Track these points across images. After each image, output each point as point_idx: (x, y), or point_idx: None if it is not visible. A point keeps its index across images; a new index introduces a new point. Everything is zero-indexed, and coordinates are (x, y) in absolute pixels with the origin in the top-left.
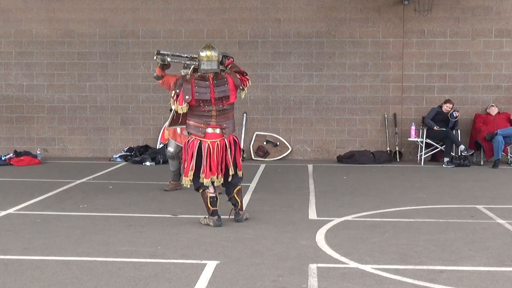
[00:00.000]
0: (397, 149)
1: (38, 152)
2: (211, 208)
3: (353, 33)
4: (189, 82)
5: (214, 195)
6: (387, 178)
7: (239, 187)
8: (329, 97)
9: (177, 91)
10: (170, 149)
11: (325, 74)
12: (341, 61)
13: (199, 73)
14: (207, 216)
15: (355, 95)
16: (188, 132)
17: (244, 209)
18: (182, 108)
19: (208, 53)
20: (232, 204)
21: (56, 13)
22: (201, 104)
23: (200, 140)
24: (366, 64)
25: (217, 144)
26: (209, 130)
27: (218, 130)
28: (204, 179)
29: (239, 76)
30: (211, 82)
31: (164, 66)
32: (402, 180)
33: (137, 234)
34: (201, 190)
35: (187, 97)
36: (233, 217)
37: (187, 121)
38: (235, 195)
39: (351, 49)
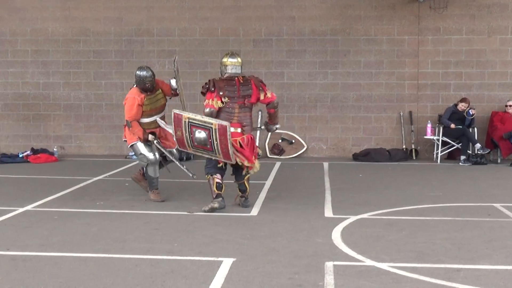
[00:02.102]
0: (413, 147)
1: (55, 149)
2: (216, 191)
3: (368, 31)
4: (220, 82)
5: (221, 181)
6: (403, 176)
7: (249, 175)
8: (344, 94)
9: (212, 89)
10: (151, 155)
11: (340, 72)
12: (356, 58)
13: (225, 76)
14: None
15: (371, 93)
16: None
17: None
18: (218, 103)
19: (233, 60)
20: (241, 191)
21: (72, 11)
22: (228, 101)
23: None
24: (381, 61)
25: (238, 140)
26: (232, 129)
27: (239, 130)
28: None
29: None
30: (238, 83)
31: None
32: (418, 178)
33: (154, 231)
34: (209, 176)
35: (221, 93)
36: (238, 203)
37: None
38: (245, 182)
39: (366, 47)
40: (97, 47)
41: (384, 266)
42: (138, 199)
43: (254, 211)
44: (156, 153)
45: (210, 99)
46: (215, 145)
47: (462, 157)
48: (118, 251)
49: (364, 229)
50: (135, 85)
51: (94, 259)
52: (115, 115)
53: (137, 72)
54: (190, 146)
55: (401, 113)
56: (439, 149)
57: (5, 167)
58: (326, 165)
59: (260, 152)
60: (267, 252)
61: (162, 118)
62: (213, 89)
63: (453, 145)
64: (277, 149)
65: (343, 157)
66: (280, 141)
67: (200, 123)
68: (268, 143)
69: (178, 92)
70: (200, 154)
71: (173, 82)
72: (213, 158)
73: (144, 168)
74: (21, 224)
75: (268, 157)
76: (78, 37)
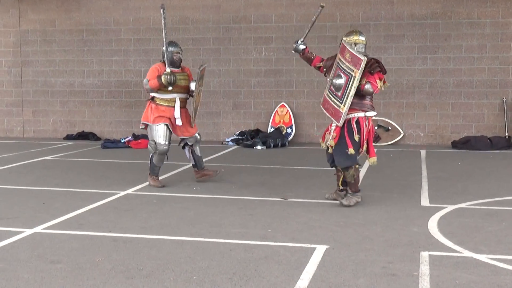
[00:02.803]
0: None
1: None
2: (359, 183)
3: (470, 14)
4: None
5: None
6: (505, 165)
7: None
8: (444, 80)
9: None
10: (164, 142)
11: (440, 57)
12: (457, 43)
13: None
14: (351, 194)
15: (472, 78)
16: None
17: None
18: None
19: (363, 38)
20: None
21: (172, 0)
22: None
23: (358, 118)
24: (484, 46)
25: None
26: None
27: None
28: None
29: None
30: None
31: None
32: None
33: (248, 217)
34: (357, 166)
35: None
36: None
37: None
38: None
39: (468, 31)
40: (195, 35)
41: (482, 257)
42: (233, 185)
43: None
44: (167, 142)
45: (378, 80)
46: (346, 93)
47: None
48: (213, 236)
49: (462, 219)
50: (161, 61)
51: (191, 243)
52: (212, 102)
53: (164, 47)
54: (328, 87)
55: (504, 100)
56: None
57: (108, 152)
58: (423, 152)
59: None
60: (361, 240)
61: (184, 104)
62: (379, 70)
63: None
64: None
65: (442, 144)
66: (376, 128)
67: (345, 67)
68: None
69: (193, 95)
70: (328, 98)
71: (192, 84)
72: (336, 106)
73: (152, 156)
74: (122, 207)
75: None
76: (178, 25)
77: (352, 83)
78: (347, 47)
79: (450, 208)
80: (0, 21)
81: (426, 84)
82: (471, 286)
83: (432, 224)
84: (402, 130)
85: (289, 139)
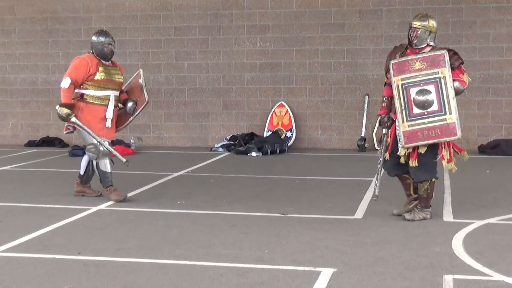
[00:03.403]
0: None
1: (131, 141)
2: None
3: None
4: None
5: None
6: None
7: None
8: (469, 74)
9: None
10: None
11: (464, 47)
12: (483, 31)
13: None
14: (418, 209)
15: (501, 72)
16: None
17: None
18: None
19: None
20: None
21: None
22: None
23: None
24: None
25: None
26: None
27: None
28: (448, 164)
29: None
30: None
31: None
32: None
33: (242, 236)
34: (433, 179)
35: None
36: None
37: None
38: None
39: (497, 17)
40: (179, 23)
41: None
42: (224, 199)
43: (359, 214)
44: (103, 142)
45: (464, 74)
46: (445, 100)
47: None
48: (201, 258)
49: (492, 237)
50: (90, 52)
51: (174, 267)
52: (199, 101)
53: (93, 37)
54: (406, 118)
55: None
56: None
57: (77, 160)
58: None
59: (366, 144)
60: (373, 262)
61: (117, 103)
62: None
63: None
64: None
65: (467, 149)
66: None
67: (422, 78)
68: (376, 133)
69: (131, 116)
70: (418, 126)
71: (130, 106)
72: (439, 123)
73: (93, 163)
74: (94, 225)
75: (376, 149)
76: (158, 12)
77: (446, 85)
78: (412, 57)
79: (477, 224)
80: None
81: None
82: None
83: (457, 243)
84: None
85: (289, 144)
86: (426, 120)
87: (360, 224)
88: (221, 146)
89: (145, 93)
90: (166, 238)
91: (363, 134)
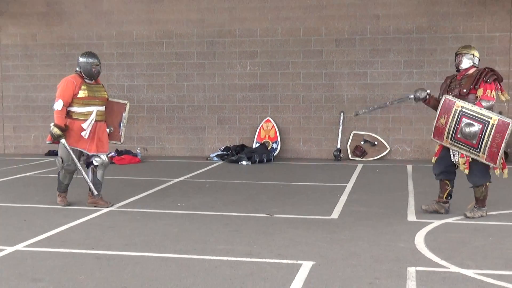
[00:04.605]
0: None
1: (138, 151)
2: (487, 199)
3: (456, 28)
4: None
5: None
6: (496, 179)
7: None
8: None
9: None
10: (71, 163)
11: (426, 71)
12: (443, 57)
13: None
14: (476, 208)
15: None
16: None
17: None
18: (503, 96)
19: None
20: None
21: (156, 14)
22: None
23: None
24: None
25: None
26: None
27: None
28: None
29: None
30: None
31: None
32: (508, 182)
33: (234, 233)
34: (488, 184)
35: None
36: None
37: None
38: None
39: (454, 45)
40: (179, 49)
41: (469, 273)
42: (218, 201)
43: (335, 214)
44: (78, 164)
45: (493, 90)
46: (483, 142)
47: None
48: (198, 252)
49: (449, 234)
50: (76, 72)
51: (175, 260)
52: (196, 117)
53: (82, 58)
54: (450, 137)
55: None
56: None
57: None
58: (409, 167)
59: (341, 154)
60: (347, 256)
61: (101, 117)
62: (496, 78)
63: None
64: (359, 151)
65: (428, 159)
66: (362, 142)
67: (476, 115)
68: (350, 145)
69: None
70: (457, 148)
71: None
72: (472, 155)
73: (59, 172)
74: (105, 223)
75: (350, 159)
76: (161, 39)
77: (492, 129)
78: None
79: (436, 223)
80: None
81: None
82: None
83: (419, 240)
84: (388, 145)
85: (275, 154)
86: (463, 150)
87: (336, 223)
88: (216, 155)
89: (122, 130)
90: (168, 235)
91: (338, 146)
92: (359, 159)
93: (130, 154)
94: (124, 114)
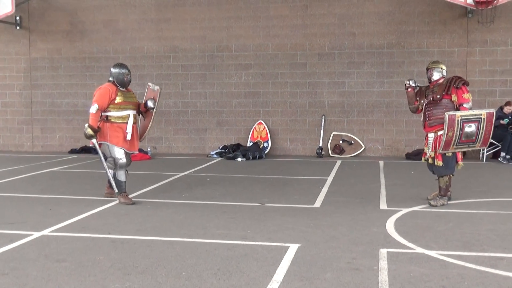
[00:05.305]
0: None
1: (148, 149)
2: (449, 190)
3: (420, 44)
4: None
5: None
6: (457, 172)
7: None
8: (399, 101)
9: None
10: (122, 157)
11: (395, 81)
12: (409, 69)
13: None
14: (439, 197)
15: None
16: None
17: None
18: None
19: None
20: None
21: (164, 32)
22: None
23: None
24: None
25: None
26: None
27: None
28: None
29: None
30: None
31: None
32: (465, 175)
33: (230, 220)
34: (450, 176)
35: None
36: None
37: None
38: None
39: (419, 58)
40: (184, 62)
41: (432, 253)
42: (217, 192)
43: (317, 203)
44: (126, 157)
45: (465, 93)
46: (480, 135)
47: (502, 154)
48: (200, 236)
49: (416, 220)
50: (110, 81)
51: (180, 243)
52: (199, 120)
53: (114, 69)
54: (455, 144)
55: None
56: (485, 149)
57: None
58: (381, 163)
59: (323, 152)
60: (328, 239)
61: (135, 120)
62: (463, 82)
63: (498, 146)
64: (338, 149)
65: (397, 156)
66: (341, 142)
67: (472, 117)
68: (330, 144)
69: (152, 110)
70: (459, 150)
71: (150, 102)
72: (470, 149)
73: (111, 173)
74: (120, 212)
75: (330, 156)
76: (169, 53)
77: (485, 123)
78: (467, 114)
79: (405, 211)
80: (13, 49)
81: (383, 104)
82: (423, 278)
83: (390, 225)
84: (363, 144)
85: (266, 152)
86: (464, 148)
87: (318, 211)
88: (215, 153)
89: (153, 102)
90: (174, 222)
91: (320, 145)
92: (338, 156)
93: (141, 152)
94: (156, 88)
